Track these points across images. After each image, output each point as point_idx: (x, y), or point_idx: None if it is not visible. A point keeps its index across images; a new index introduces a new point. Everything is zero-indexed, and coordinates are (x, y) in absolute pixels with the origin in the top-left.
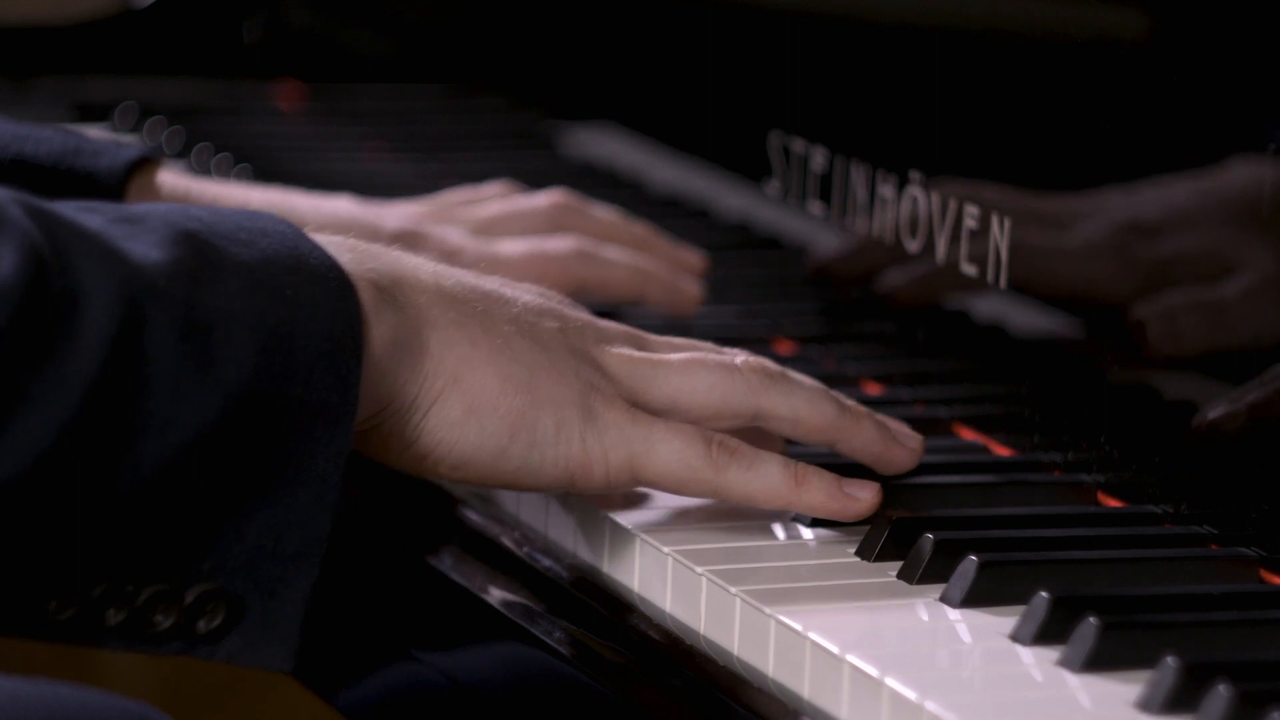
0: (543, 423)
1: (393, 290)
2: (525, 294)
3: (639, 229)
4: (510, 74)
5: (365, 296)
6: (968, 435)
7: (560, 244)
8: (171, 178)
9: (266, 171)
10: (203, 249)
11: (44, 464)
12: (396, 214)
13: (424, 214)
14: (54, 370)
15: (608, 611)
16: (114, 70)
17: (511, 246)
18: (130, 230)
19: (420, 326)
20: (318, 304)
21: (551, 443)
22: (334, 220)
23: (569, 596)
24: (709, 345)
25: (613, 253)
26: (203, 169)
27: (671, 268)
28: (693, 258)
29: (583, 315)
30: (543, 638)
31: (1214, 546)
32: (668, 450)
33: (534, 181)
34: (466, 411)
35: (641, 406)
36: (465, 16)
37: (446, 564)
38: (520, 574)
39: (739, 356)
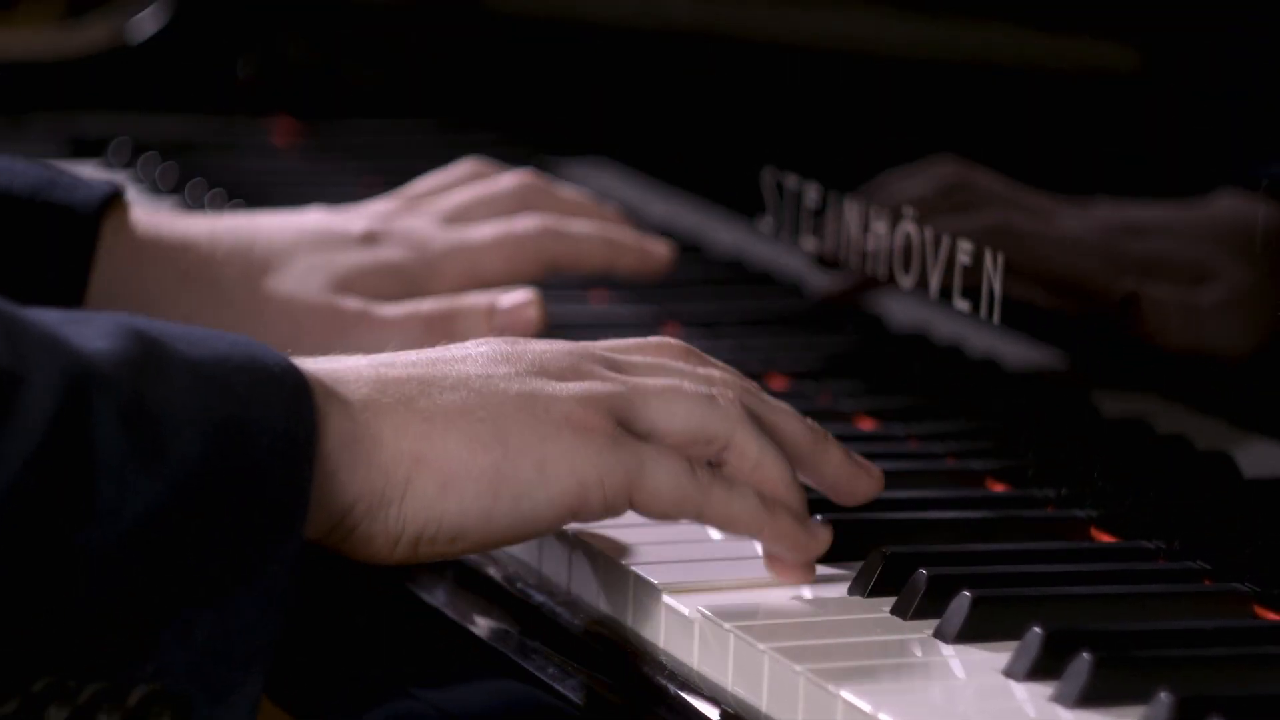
0: (523, 470)
1: (336, 387)
2: (472, 349)
3: (606, 209)
4: (504, 110)
5: (317, 395)
6: (961, 470)
7: (527, 222)
8: (143, 214)
9: (261, 207)
10: (150, 344)
11: None
12: (363, 214)
13: (391, 210)
14: None
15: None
16: (109, 106)
17: (480, 231)
18: (79, 327)
19: (368, 419)
20: (271, 401)
21: (540, 485)
22: (302, 231)
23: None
24: (679, 355)
25: (580, 225)
26: (196, 205)
27: (639, 236)
28: (661, 245)
29: (539, 347)
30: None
31: (1207, 582)
32: (658, 471)
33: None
34: (441, 486)
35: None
36: (459, 52)
37: (440, 599)
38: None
39: (714, 385)
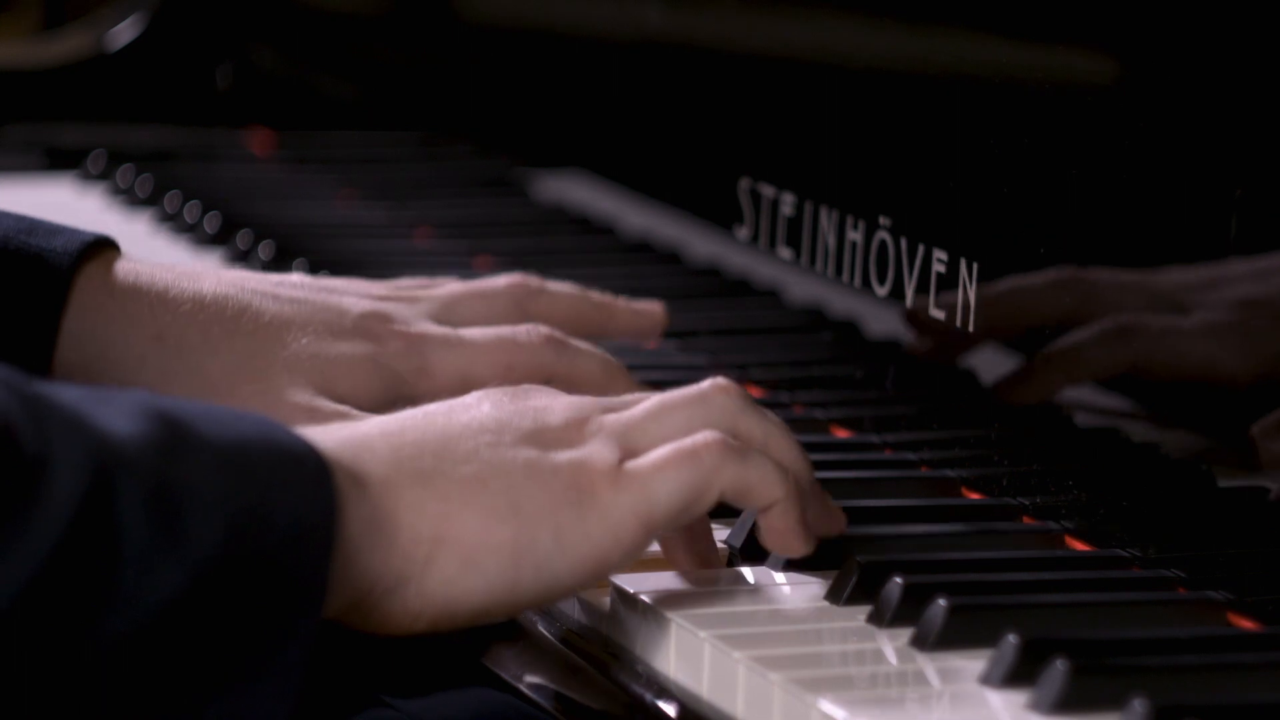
0: (541, 539)
1: (354, 467)
2: (476, 409)
3: (599, 297)
4: (481, 121)
5: (338, 478)
6: (936, 479)
7: (530, 332)
8: (129, 264)
9: (238, 218)
10: (173, 425)
11: (2, 627)
12: (359, 293)
13: (385, 294)
14: (17, 533)
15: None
16: (86, 117)
17: (479, 334)
18: (102, 406)
19: (385, 500)
20: (292, 487)
21: (559, 553)
22: (296, 305)
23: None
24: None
25: (581, 344)
26: (174, 215)
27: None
28: (655, 309)
29: (538, 404)
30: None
31: (1182, 590)
32: (666, 488)
33: (508, 226)
34: (463, 563)
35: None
36: (435, 64)
37: None
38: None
39: (705, 383)
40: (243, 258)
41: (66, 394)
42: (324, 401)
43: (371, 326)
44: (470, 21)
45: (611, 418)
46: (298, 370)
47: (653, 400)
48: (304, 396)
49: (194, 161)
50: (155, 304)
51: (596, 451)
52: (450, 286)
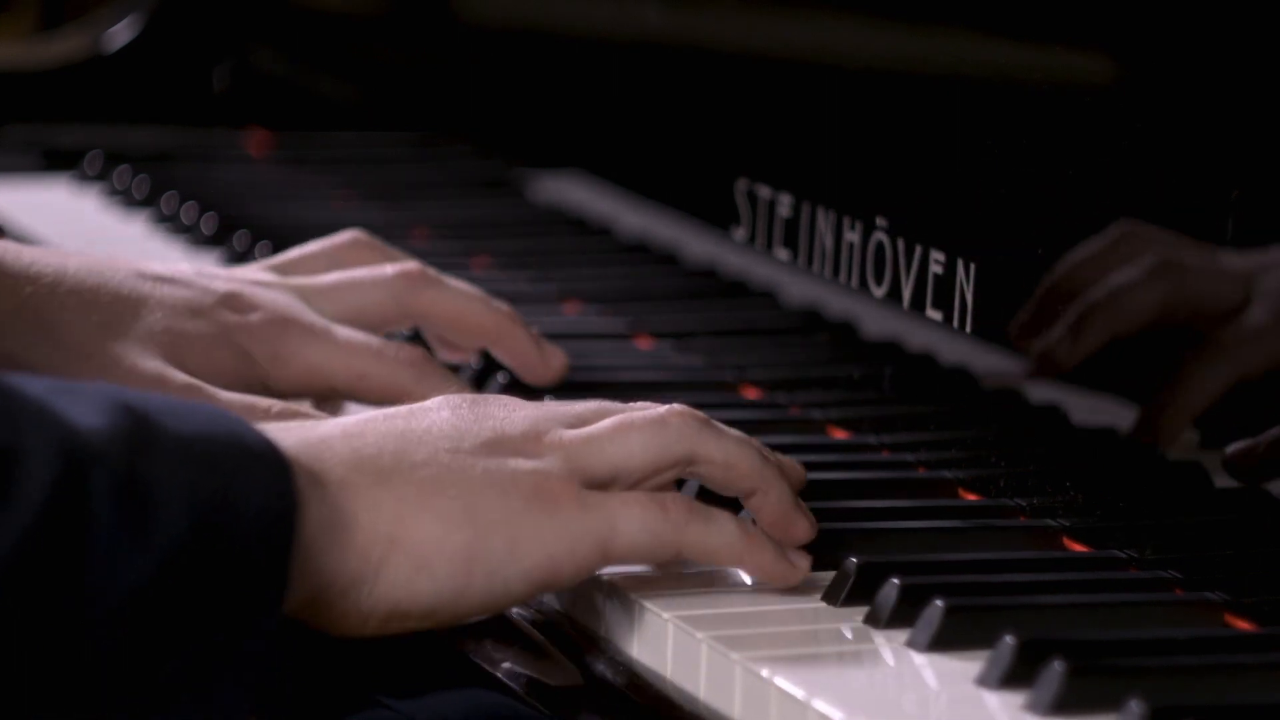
0: (495, 547)
1: (313, 465)
2: (436, 414)
3: (500, 312)
4: (478, 122)
5: (298, 475)
6: (934, 480)
7: (398, 350)
8: None
9: (235, 219)
10: (140, 419)
11: None
12: (230, 277)
13: (260, 278)
14: None
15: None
16: (84, 117)
17: (347, 334)
18: (70, 398)
19: (344, 499)
20: (254, 479)
21: (511, 562)
22: (158, 282)
23: None
24: (637, 407)
25: (449, 376)
26: (171, 216)
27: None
28: (557, 359)
29: (498, 414)
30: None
31: (1179, 591)
32: (629, 524)
33: (505, 227)
34: (414, 568)
35: (585, 482)
36: (433, 64)
37: None
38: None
39: (662, 408)
40: (240, 258)
41: (33, 386)
42: (174, 372)
43: (233, 306)
44: (469, 22)
45: (570, 433)
46: (150, 341)
47: (612, 420)
48: (154, 365)
49: (191, 162)
50: (19, 278)
51: (555, 464)
52: (330, 276)
